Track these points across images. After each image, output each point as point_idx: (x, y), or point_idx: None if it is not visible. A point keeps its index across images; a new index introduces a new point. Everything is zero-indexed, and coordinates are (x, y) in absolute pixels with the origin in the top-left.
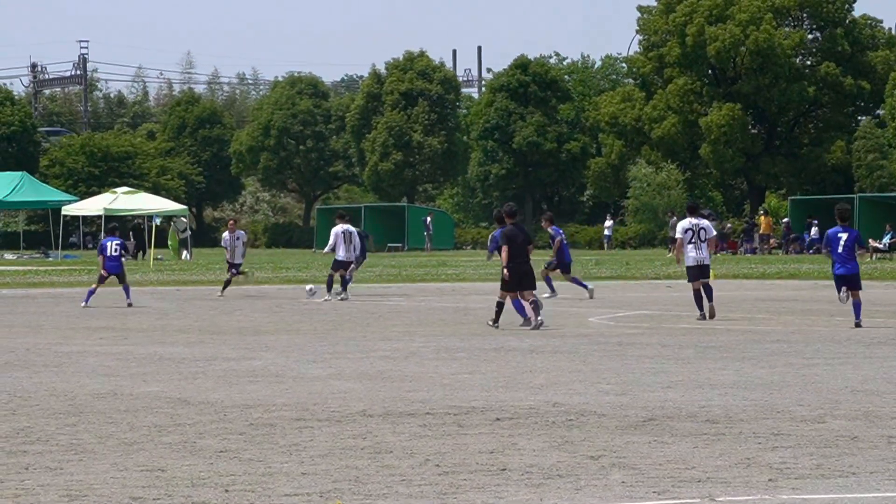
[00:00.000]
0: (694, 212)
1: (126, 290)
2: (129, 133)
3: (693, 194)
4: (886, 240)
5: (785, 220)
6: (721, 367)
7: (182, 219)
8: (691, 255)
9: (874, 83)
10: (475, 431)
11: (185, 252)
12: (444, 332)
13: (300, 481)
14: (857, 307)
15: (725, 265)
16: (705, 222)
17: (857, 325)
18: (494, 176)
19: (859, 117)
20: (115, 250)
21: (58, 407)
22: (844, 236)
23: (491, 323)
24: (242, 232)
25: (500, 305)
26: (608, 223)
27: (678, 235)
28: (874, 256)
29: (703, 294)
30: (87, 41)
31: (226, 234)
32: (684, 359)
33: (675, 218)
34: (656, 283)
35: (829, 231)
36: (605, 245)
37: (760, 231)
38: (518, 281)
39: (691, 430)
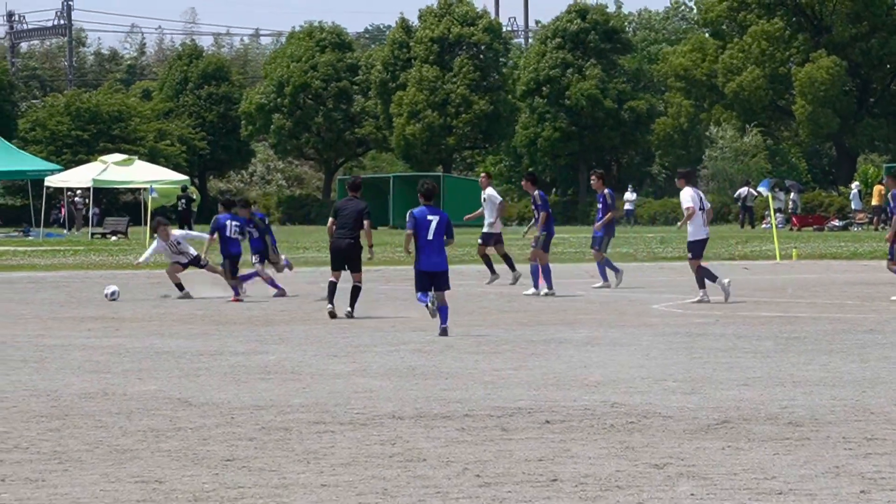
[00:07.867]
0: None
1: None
2: (122, 92)
3: (775, 162)
4: None
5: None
6: (806, 361)
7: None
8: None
9: None
10: (521, 436)
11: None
12: (486, 321)
13: (319, 494)
14: None
15: (811, 243)
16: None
17: None
18: (544, 140)
19: None
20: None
21: (39, 409)
22: None
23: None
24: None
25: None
26: (630, 196)
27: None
28: None
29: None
30: None
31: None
32: (763, 352)
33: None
34: (731, 265)
35: None
36: (630, 222)
37: (874, 202)
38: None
39: (771, 434)
